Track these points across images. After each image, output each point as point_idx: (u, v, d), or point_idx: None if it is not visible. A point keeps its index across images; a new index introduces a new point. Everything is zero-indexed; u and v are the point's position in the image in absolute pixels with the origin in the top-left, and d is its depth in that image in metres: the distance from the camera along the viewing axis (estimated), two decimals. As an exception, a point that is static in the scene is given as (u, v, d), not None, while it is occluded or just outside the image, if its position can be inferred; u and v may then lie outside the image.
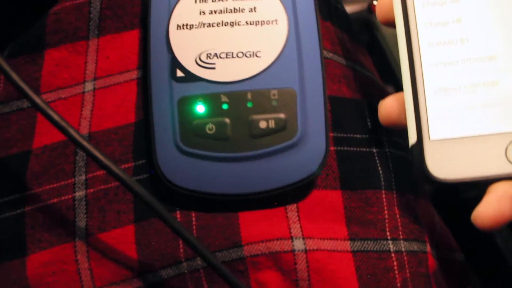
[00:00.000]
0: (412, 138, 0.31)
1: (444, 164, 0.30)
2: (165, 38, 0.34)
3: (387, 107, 0.32)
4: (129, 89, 0.35)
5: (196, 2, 0.34)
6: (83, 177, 0.34)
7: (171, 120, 0.33)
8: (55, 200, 0.33)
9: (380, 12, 0.33)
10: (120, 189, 0.33)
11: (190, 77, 0.33)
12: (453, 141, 0.30)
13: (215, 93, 0.32)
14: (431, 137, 0.31)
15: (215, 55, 0.33)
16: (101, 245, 0.33)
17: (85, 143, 0.28)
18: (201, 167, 0.32)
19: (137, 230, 0.33)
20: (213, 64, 0.33)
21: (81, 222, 0.33)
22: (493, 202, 0.29)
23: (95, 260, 0.32)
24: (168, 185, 0.33)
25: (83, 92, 0.35)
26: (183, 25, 0.34)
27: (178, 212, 0.33)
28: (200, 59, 0.33)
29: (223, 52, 0.33)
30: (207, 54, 0.33)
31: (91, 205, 0.33)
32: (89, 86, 0.35)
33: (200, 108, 0.32)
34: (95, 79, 0.35)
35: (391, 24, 0.33)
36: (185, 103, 0.33)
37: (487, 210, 0.29)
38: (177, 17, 0.34)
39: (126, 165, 0.34)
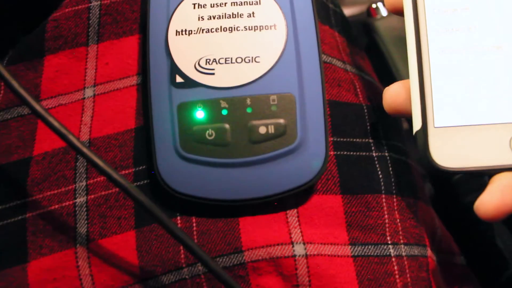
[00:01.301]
0: (417, 125, 0.31)
1: (448, 152, 0.30)
2: (164, 44, 0.34)
3: (393, 93, 0.32)
4: (129, 95, 0.35)
5: (194, 7, 0.34)
6: (84, 183, 0.34)
7: (171, 126, 0.33)
8: (56, 206, 0.33)
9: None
10: (121, 195, 0.33)
11: (190, 83, 0.33)
12: (458, 130, 0.31)
13: (215, 98, 0.33)
14: (436, 124, 0.31)
15: (214, 60, 0.33)
16: (102, 251, 0.33)
17: (85, 150, 0.28)
18: (201, 172, 0.32)
19: (138, 236, 0.33)
20: (212, 69, 0.33)
21: (82, 228, 0.33)
22: (496, 192, 0.29)
23: (96, 266, 0.33)
24: (168, 191, 0.33)
25: (83, 98, 0.35)
26: (182, 30, 0.34)
27: (178, 217, 0.33)
28: (199, 64, 0.33)
29: (222, 58, 0.33)
30: (206, 60, 0.33)
31: (92, 211, 0.33)
32: (89, 92, 0.35)
33: (199, 114, 0.32)
34: (95, 85, 0.36)
35: (399, 12, 0.33)
36: (184, 109, 0.33)
37: (490, 200, 0.29)
38: (176, 23, 0.34)
39: (127, 171, 0.34)
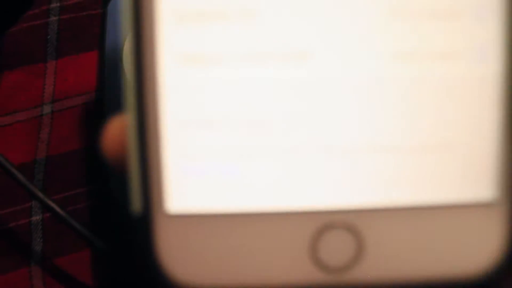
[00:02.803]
0: (137, 205, 0.17)
1: (192, 258, 0.17)
2: (119, 60, 0.33)
3: (112, 133, 0.19)
4: (88, 111, 0.35)
5: (150, 25, 0.34)
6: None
7: (124, 145, 0.33)
8: (12, 224, 0.34)
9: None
10: (75, 213, 0.34)
11: (143, 102, 0.33)
12: (211, 220, 0.17)
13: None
14: (169, 209, 0.17)
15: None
16: (57, 270, 0.33)
17: (20, 177, 0.28)
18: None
19: (93, 254, 0.33)
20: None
21: (37, 247, 0.33)
22: None
23: (50, 285, 0.33)
24: (122, 210, 0.33)
25: (41, 115, 0.35)
26: (137, 48, 0.33)
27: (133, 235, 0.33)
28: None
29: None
30: (160, 79, 0.33)
31: (48, 229, 0.33)
32: (47, 108, 0.35)
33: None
34: (53, 101, 0.35)
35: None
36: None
37: None
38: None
39: (82, 189, 0.34)
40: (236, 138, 0.17)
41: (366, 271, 0.17)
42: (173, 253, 0.17)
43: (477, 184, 0.17)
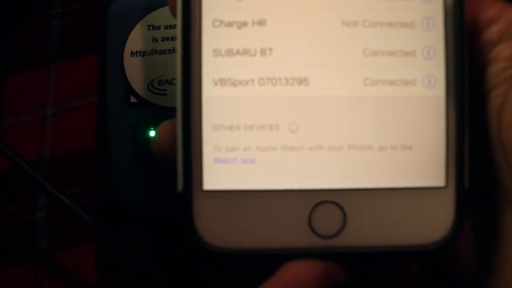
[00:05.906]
0: (180, 185, 0.23)
1: (221, 226, 0.22)
2: (120, 64, 0.35)
3: (160, 133, 0.25)
4: (90, 112, 0.37)
5: (149, 29, 0.35)
6: (45, 199, 0.35)
7: (126, 145, 0.34)
8: (18, 221, 0.35)
9: None
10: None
11: (143, 103, 0.34)
12: (236, 196, 0.23)
13: (166, 118, 0.34)
14: (205, 187, 0.23)
15: (167, 81, 0.34)
16: (61, 265, 0.34)
17: (27, 168, 0.30)
18: (155, 189, 0.34)
19: (96, 248, 0.34)
20: (165, 90, 0.34)
21: (42, 242, 0.35)
22: None
23: (55, 279, 0.34)
24: (124, 207, 0.34)
25: (44, 116, 0.37)
26: (136, 52, 0.35)
27: (134, 232, 0.35)
28: (152, 85, 0.34)
29: (174, 79, 0.34)
30: (159, 81, 0.34)
31: (52, 225, 0.35)
32: (50, 110, 0.37)
33: (152, 134, 0.34)
34: (56, 103, 0.37)
35: None
36: (138, 128, 0.34)
37: None
38: (131, 44, 0.35)
39: (85, 187, 0.35)
40: (253, 137, 0.23)
41: (348, 238, 0.22)
42: (206, 220, 0.22)
43: (432, 173, 0.23)
